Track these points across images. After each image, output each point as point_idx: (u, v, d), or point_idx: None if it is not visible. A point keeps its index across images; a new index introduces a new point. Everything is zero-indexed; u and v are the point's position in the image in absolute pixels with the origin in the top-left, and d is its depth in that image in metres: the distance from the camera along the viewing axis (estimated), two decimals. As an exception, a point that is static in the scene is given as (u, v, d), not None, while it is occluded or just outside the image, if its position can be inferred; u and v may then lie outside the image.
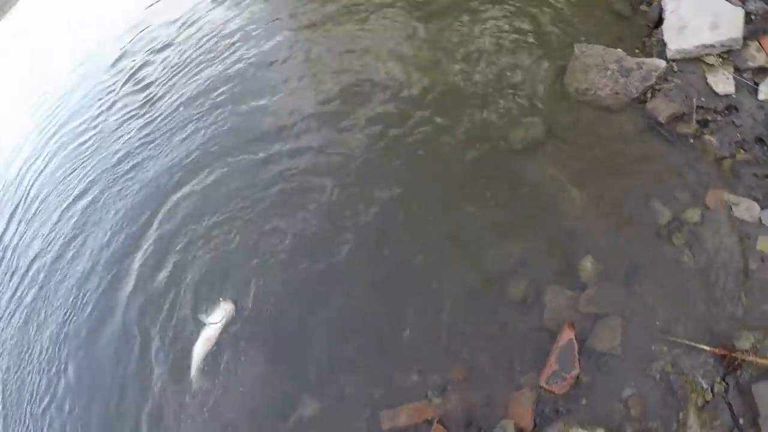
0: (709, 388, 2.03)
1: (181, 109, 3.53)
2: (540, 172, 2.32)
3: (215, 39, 3.92)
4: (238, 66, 3.55)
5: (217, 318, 2.41)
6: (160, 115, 3.62)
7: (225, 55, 3.69)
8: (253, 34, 3.75)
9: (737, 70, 2.45)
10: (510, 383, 2.12)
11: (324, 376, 2.28)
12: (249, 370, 2.35)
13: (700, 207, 2.23)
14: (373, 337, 2.26)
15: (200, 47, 3.94)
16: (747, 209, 2.21)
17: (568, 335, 2.09)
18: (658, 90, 2.37)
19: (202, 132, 3.26)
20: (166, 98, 3.71)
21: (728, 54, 2.44)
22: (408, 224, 2.40)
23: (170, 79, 3.88)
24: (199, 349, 2.39)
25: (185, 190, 3.01)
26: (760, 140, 2.29)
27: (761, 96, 2.36)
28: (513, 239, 2.23)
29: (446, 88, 2.66)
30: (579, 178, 2.28)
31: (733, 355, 2.02)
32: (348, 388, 2.23)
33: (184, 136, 3.33)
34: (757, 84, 2.35)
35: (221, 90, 3.46)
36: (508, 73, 2.57)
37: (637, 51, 2.49)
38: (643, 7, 2.70)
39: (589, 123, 2.38)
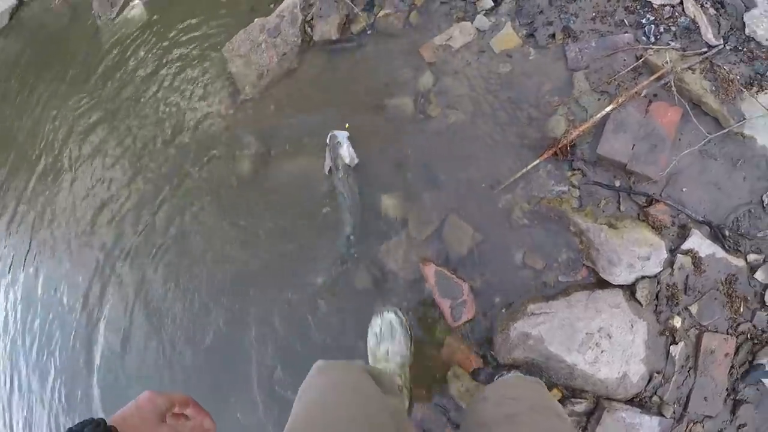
0: (570, 186, 1.83)
1: None
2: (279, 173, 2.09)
3: None
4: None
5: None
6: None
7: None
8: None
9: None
10: (432, 347, 1.89)
11: None
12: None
13: (425, 69, 2.05)
14: None
15: None
16: (461, 33, 2.06)
17: (429, 270, 1.84)
18: (311, 19, 2.20)
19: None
20: None
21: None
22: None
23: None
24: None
25: None
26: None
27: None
28: (311, 245, 1.95)
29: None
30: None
31: (560, 145, 1.82)
32: None
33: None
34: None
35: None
36: (195, 123, 2.32)
37: (271, 6, 2.32)
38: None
39: (283, 97, 2.18)
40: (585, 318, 1.74)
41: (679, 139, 1.84)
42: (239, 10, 2.51)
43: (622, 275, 1.76)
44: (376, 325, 1.71)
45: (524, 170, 1.87)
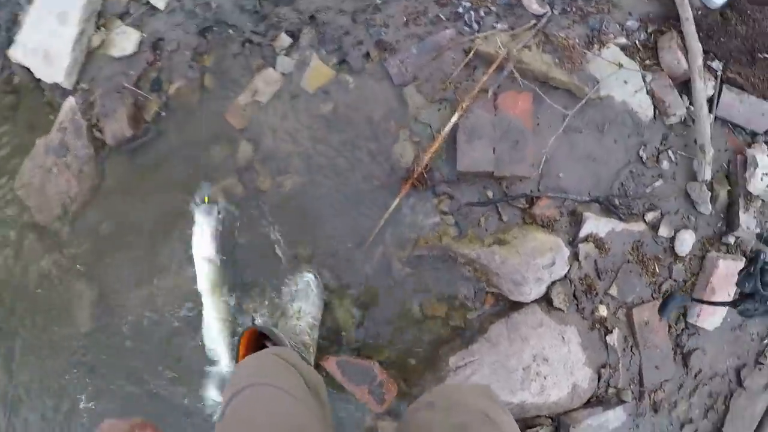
0: (441, 214, 1.68)
1: None
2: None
3: None
4: None
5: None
6: None
7: None
8: None
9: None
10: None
11: None
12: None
13: (239, 138, 1.78)
14: None
15: None
16: (265, 83, 1.78)
17: (330, 365, 1.63)
18: (97, 121, 1.81)
19: None
20: None
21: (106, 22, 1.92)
22: None
23: None
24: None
25: None
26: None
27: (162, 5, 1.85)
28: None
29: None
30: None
31: (416, 175, 1.62)
32: None
33: None
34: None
35: None
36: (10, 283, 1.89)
37: (51, 117, 1.90)
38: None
39: (98, 223, 1.82)
40: (514, 353, 1.57)
41: (538, 125, 1.66)
42: (17, 130, 2.05)
43: (533, 292, 1.60)
44: (293, 283, 1.61)
45: (386, 215, 1.63)
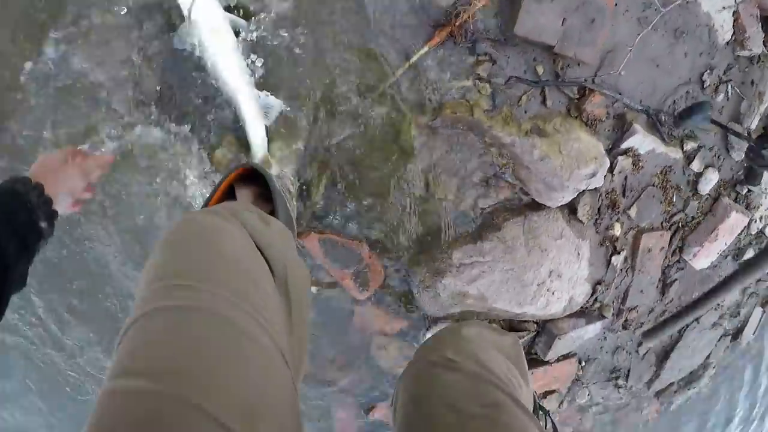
0: (476, 80, 1.37)
1: None
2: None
3: None
4: None
5: None
6: None
7: None
8: None
9: None
10: (339, 325, 1.56)
11: None
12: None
13: None
14: None
15: None
16: None
17: (311, 242, 1.40)
18: None
19: None
20: None
21: None
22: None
23: None
24: None
25: None
26: None
27: None
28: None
29: None
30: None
31: (458, 23, 1.30)
32: None
33: None
34: None
35: None
36: None
37: None
38: None
39: None
40: (532, 265, 1.43)
41: (616, 5, 1.40)
42: None
43: (565, 198, 1.43)
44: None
45: (409, 63, 1.32)
